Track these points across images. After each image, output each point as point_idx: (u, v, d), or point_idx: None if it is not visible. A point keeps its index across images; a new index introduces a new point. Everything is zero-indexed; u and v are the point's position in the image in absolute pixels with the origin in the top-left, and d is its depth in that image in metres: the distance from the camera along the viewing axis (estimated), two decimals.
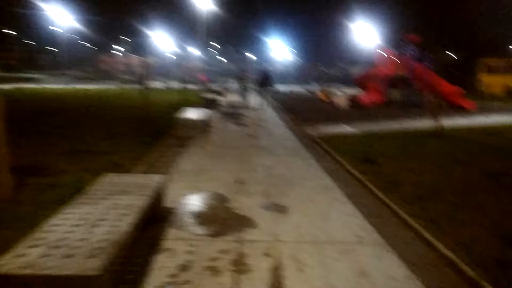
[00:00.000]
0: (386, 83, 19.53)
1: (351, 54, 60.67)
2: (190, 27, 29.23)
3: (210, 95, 16.41)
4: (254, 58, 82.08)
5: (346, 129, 11.23)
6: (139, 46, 73.43)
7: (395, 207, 4.54)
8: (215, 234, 3.73)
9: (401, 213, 4.36)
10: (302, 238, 3.73)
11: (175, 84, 34.23)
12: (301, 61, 75.29)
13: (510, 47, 51.05)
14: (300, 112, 14.85)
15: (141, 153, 6.84)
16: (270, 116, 13.97)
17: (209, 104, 15.27)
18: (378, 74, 19.53)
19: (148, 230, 3.68)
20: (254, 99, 20.67)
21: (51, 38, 61.59)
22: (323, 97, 21.43)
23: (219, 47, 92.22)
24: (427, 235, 3.78)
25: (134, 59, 75.04)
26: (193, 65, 73.02)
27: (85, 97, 19.80)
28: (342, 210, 4.53)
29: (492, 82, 35.30)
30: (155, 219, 3.91)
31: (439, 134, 10.23)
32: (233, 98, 21.90)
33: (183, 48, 66.32)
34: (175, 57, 70.61)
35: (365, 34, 33.82)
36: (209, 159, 6.90)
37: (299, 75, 56.85)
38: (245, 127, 10.97)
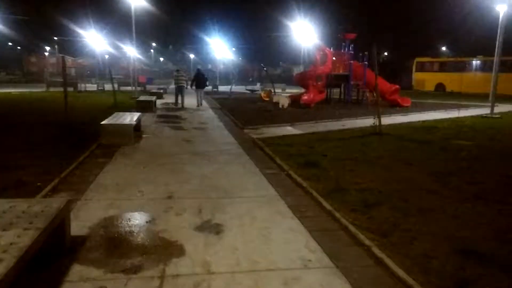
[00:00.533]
0: (324, 81, 19.59)
1: (293, 54, 61.56)
2: (125, 26, 27.73)
3: (144, 97, 15.38)
4: (195, 58, 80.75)
5: (288, 130, 10.87)
6: (71, 47, 69.36)
7: (342, 219, 4.10)
8: (133, 270, 3.04)
9: (349, 226, 3.93)
10: (238, 267, 3.15)
11: (109, 86, 32.39)
12: (243, 61, 75.24)
13: (443, 47, 54.50)
14: (242, 113, 14.33)
15: (57, 167, 5.91)
16: (210, 118, 13.31)
17: (144, 107, 14.27)
18: (317, 72, 19.55)
19: (44, 273, 2.92)
20: (193, 101, 19.90)
21: None
22: (265, 97, 21.11)
23: (158, 47, 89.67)
24: (378, 252, 3.36)
25: (66, 60, 70.66)
26: (130, 65, 70.31)
27: (3, 102, 17.87)
28: (285, 226, 4.02)
29: (425, 79, 37.22)
30: (56, 255, 3.15)
31: (379, 132, 10.17)
32: (172, 99, 20.92)
33: (118, 48, 63.41)
34: (109, 57, 67.36)
35: (306, 34, 34.14)
36: (137, 170, 6.12)
37: (241, 75, 56.58)
38: (182, 131, 10.22)
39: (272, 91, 21.89)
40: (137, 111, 13.95)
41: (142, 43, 79.71)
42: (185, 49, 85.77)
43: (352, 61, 19.79)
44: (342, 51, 20.59)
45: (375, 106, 18.74)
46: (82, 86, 31.34)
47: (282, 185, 5.52)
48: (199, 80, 18.17)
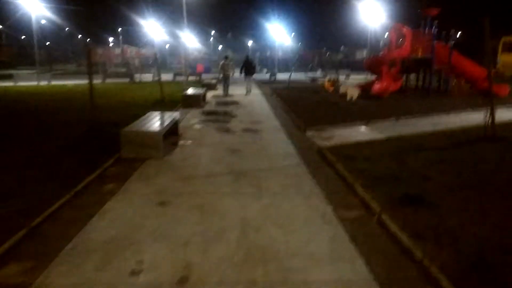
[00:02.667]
0: (399, 67, 16.59)
1: (357, 37, 57.40)
2: (185, 14, 26.46)
3: (192, 91, 13.58)
4: (254, 44, 78.88)
5: (363, 132, 8.44)
6: (132, 37, 70.50)
7: None
8: None
9: None
10: None
11: (167, 76, 31.39)
12: (303, 46, 72.00)
13: None
14: (303, 108, 12.04)
15: (43, 199, 4.13)
16: (265, 116, 11.17)
17: (191, 102, 12.47)
18: (392, 56, 16.58)
19: None
20: (247, 92, 17.97)
21: (43, 32, 58.61)
22: (329, 87, 18.52)
23: (217, 35, 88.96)
24: None
25: (130, 50, 72.01)
26: (189, 54, 70.08)
27: (51, 96, 17.04)
28: None
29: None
30: None
31: (492, 136, 7.44)
32: (226, 91, 19.07)
33: (177, 37, 63.11)
34: (169, 47, 67.45)
35: (373, 14, 30.68)
36: (150, 210, 4.15)
37: (301, 61, 53.67)
38: (229, 136, 8.19)
39: (338, 79, 19.24)
40: (184, 107, 12.30)
41: (201, 31, 79.48)
42: (244, 35, 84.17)
43: (435, 42, 16.59)
44: (422, 30, 17.39)
45: (463, 96, 15.58)
46: (138, 77, 30.69)
47: (378, 250, 3.26)
48: (247, 67, 17.89)
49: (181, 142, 7.41)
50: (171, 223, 3.77)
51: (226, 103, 13.98)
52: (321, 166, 5.80)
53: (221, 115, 11.01)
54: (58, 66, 64.56)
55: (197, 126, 9.25)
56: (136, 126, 6.57)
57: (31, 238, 3.41)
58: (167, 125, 6.78)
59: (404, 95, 15.73)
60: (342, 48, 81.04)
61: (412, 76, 19.56)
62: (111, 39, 77.97)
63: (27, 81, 26.88)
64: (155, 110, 11.06)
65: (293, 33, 71.78)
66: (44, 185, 4.71)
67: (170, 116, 7.70)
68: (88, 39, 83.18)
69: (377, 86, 15.54)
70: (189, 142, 7.48)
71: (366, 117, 10.02)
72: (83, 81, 29.05)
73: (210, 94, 16.97)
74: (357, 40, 60.13)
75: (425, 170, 5.46)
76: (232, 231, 3.60)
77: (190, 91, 13.46)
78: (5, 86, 22.99)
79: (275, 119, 10.42)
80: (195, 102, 12.54)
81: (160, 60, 60.82)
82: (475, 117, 10.03)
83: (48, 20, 52.60)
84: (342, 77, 26.14)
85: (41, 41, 59.89)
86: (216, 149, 6.89)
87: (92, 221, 3.78)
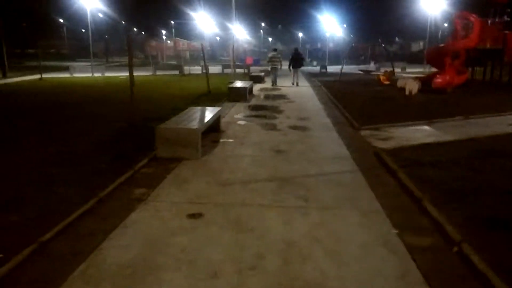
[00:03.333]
0: (463, 58, 14.99)
1: (413, 28, 54.29)
2: (233, 5, 26.06)
3: (239, 84, 13.00)
4: (304, 36, 77.35)
5: (427, 132, 7.42)
6: (184, 30, 71.41)
7: None
8: None
9: None
10: None
11: (216, 69, 31.23)
12: (356, 38, 69.40)
13: None
14: (355, 103, 11.09)
15: (62, 205, 3.71)
16: (314, 111, 10.36)
17: (237, 95, 11.91)
18: (457, 47, 15.04)
19: None
20: (296, 85, 17.22)
21: (100, 26, 60.84)
22: (384, 80, 17.26)
23: (267, 27, 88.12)
24: None
25: (182, 43, 73.15)
26: (238, 47, 70.00)
27: (100, 88, 17.22)
28: None
29: None
30: None
31: None
32: (274, 84, 18.39)
33: (227, 30, 63.10)
34: (219, 39, 67.59)
35: (433, 1, 28.51)
36: (180, 220, 3.59)
37: (352, 53, 51.69)
38: (274, 133, 7.51)
39: (394, 72, 17.92)
40: (229, 101, 11.76)
41: (251, 24, 79.01)
42: (294, 28, 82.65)
43: (506, 32, 14.86)
44: (490, 19, 15.65)
45: None
46: (187, 69, 30.71)
47: None
48: (296, 60, 18.10)
49: (222, 140, 6.84)
50: (200, 243, 3.17)
51: (274, 97, 13.30)
52: (379, 174, 4.97)
53: (267, 110, 10.35)
54: (114, 59, 67.01)
55: (241, 122, 8.65)
56: (173, 122, 6.07)
57: (40, 255, 2.94)
58: (207, 122, 6.22)
59: (470, 90, 14.21)
60: (396, 39, 77.31)
61: (478, 69, 17.79)
62: (164, 32, 79.57)
63: (83, 72, 27.76)
64: (200, 103, 10.66)
65: (345, 25, 69.38)
66: (68, 187, 4.30)
67: (212, 111, 7.15)
68: (143, 32, 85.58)
69: (439, 80, 14.18)
70: (231, 140, 6.89)
71: (429, 115, 8.95)
72: (136, 73, 29.59)
73: (257, 87, 16.37)
74: (413, 31, 56.90)
75: (505, 180, 4.49)
76: (272, 259, 2.93)
77: (236, 84, 12.90)
78: (60, 77, 23.80)
79: (325, 115, 9.59)
80: (241, 95, 11.96)
81: (210, 53, 61.24)
82: None
83: (105, 14, 54.36)
84: (397, 70, 24.52)
85: (99, 34, 62.31)
86: (260, 149, 6.24)
87: (112, 237, 3.27)
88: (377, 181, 4.66)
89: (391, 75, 17.37)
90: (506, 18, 14.95)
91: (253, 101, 12.20)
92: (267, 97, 13.47)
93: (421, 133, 7.40)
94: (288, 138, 7.05)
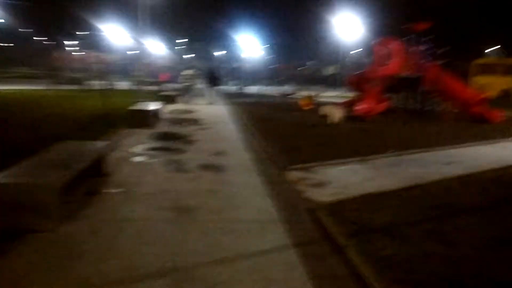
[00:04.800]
0: (382, 86, 14.72)
1: (326, 52, 56.30)
2: (148, 20, 24.03)
3: (142, 106, 11.02)
4: (224, 55, 76.75)
5: (364, 175, 6.23)
6: (93, 42, 66.37)
7: None
8: None
9: None
10: None
11: (125, 85, 28.57)
12: (275, 59, 70.35)
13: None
14: (278, 132, 9.82)
15: None
16: (232, 142, 8.82)
17: (139, 120, 9.95)
18: (376, 74, 14.74)
19: None
20: (211, 103, 15.78)
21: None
22: (305, 106, 16.41)
23: (187, 43, 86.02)
24: None
25: (91, 55, 67.87)
26: (154, 62, 67.03)
27: None
28: None
29: (488, 84, 31.46)
30: None
31: None
32: (187, 105, 16.65)
33: (141, 44, 60.03)
34: (132, 53, 63.89)
35: (349, 28, 29.22)
36: None
37: (272, 75, 52.04)
38: (180, 177, 5.76)
39: (313, 97, 17.25)
40: (129, 127, 9.74)
41: (168, 39, 76.27)
42: (212, 45, 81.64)
43: (427, 60, 14.90)
44: (409, 47, 15.69)
45: (453, 122, 13.88)
46: (92, 84, 27.54)
47: None
48: (212, 78, 18.23)
49: (104, 191, 4.91)
50: None
51: (186, 122, 11.54)
52: (323, 255, 3.46)
53: (175, 140, 8.57)
54: (14, 69, 59.59)
55: (138, 159, 6.75)
56: (19, 170, 4.03)
57: None
58: (75, 168, 4.27)
59: (389, 118, 13.84)
60: (310, 63, 79.89)
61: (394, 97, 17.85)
62: (70, 42, 73.44)
63: None
64: (89, 129, 8.56)
65: (264, 45, 70.10)
66: None
67: (91, 149, 5.20)
68: (48, 41, 78.10)
69: (361, 107, 13.61)
70: (117, 190, 4.98)
71: (358, 149, 7.91)
72: (30, 87, 25.73)
73: (169, 108, 14.50)
74: (327, 55, 59.03)
75: (496, 262, 3.29)
76: None
77: (140, 106, 10.89)
78: None
79: (244, 148, 8.06)
80: (145, 120, 10.01)
81: (122, 68, 57.41)
82: (493, 152, 8.16)
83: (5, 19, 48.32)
84: (313, 94, 24.27)
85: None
86: (157, 207, 4.43)
87: None
88: (324, 272, 3.16)
89: (312, 100, 16.65)
90: (423, 46, 15.03)
91: (160, 128, 10.31)
92: (178, 121, 11.66)
93: (358, 175, 6.19)
94: (198, 185, 5.35)
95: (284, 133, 9.74)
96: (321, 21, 38.56)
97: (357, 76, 16.11)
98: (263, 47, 65.28)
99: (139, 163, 6.44)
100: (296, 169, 6.33)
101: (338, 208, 4.56)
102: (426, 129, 11.40)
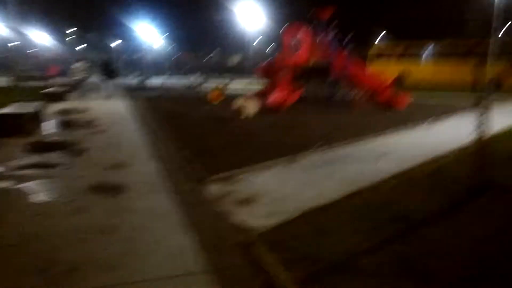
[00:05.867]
0: (291, 75, 14.16)
1: (229, 41, 55.36)
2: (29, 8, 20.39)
3: (14, 108, 8.78)
4: (122, 45, 71.65)
5: (298, 180, 5.25)
6: None
7: None
8: None
9: None
10: None
11: (5, 81, 24.38)
12: (176, 48, 67.47)
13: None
14: (189, 131, 8.52)
15: None
16: (133, 149, 7.29)
17: (8, 127, 7.84)
18: (286, 63, 14.11)
19: None
20: (106, 97, 13.91)
21: None
22: (215, 98, 15.15)
23: (78, 33, 78.39)
24: None
25: None
26: (41, 54, 60.13)
27: None
28: None
29: (383, 70, 33.34)
30: None
31: (488, 184, 4.94)
32: (79, 103, 14.35)
33: (23, 34, 53.04)
34: (13, 45, 56.43)
35: (251, 15, 28.52)
36: None
37: (175, 65, 49.62)
38: (59, 212, 4.20)
39: (223, 88, 16.09)
40: None
41: (58, 29, 68.70)
42: (108, 36, 75.60)
43: (334, 48, 14.61)
44: (317, 35, 15.30)
45: (363, 109, 13.87)
46: None
47: None
48: (108, 70, 17.05)
49: None
50: None
51: (76, 125, 9.60)
52: None
53: (59, 151, 6.77)
54: None
55: (1, 185, 4.96)
56: None
57: None
58: None
59: (304, 109, 13.30)
60: (214, 52, 78.29)
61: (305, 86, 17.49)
62: None
63: None
64: None
65: (165, 35, 66.67)
66: None
67: None
68: None
69: (273, 98, 12.83)
70: None
71: (283, 146, 7.01)
72: None
73: (55, 108, 12.22)
74: (230, 43, 58.15)
75: None
76: None
77: (13, 107, 8.64)
78: None
79: (149, 156, 6.61)
80: (18, 127, 7.92)
81: (2, 61, 50.13)
82: (417, 140, 7.83)
83: None
84: (221, 85, 23.11)
85: None
86: (15, 273, 2.91)
87: None
88: None
89: (221, 92, 15.46)
90: (329, 33, 14.71)
91: (41, 135, 8.31)
92: (66, 125, 9.65)
93: (290, 182, 5.21)
94: (85, 221, 3.86)
95: (195, 133, 8.46)
96: (222, 9, 37.44)
97: (267, 65, 15.32)
98: (163, 36, 62.20)
99: (1, 190, 4.67)
100: (215, 181, 5.14)
101: (279, 236, 3.49)
102: (342, 119, 10.97)
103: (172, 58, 42.28)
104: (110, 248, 3.27)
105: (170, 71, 39.16)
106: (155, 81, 28.48)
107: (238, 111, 11.45)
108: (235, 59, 60.00)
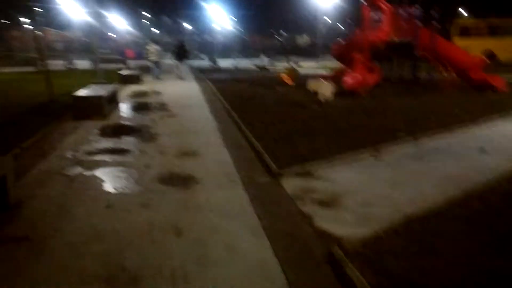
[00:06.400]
0: (368, 54, 12.98)
1: (297, 21, 53.89)
2: None
3: (91, 90, 8.90)
4: (193, 28, 73.26)
5: (386, 177, 4.54)
6: (50, 18, 61.57)
7: None
8: None
9: None
10: None
11: (87, 63, 25.79)
12: (246, 30, 67.36)
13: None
14: (262, 116, 8.05)
15: None
16: (205, 135, 6.98)
17: (87, 110, 7.93)
18: (368, 39, 12.97)
19: None
20: (179, 78, 14.06)
21: None
22: (287, 79, 14.52)
23: (153, 17, 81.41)
24: None
25: (51, 33, 63.10)
26: (120, 38, 63.14)
27: None
28: None
29: (469, 46, 30.19)
30: None
31: None
32: (153, 85, 14.54)
33: (103, 19, 55.95)
34: (95, 30, 59.86)
35: None
36: None
37: (245, 46, 49.54)
38: (127, 203, 3.95)
39: (296, 69, 15.38)
40: (74, 119, 7.75)
41: (134, 13, 71.69)
42: (181, 19, 77.51)
43: (418, 24, 13.20)
44: (400, 8, 13.94)
45: (454, 90, 12.43)
46: (43, 64, 24.65)
47: None
48: (180, 52, 17.25)
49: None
50: None
51: (148, 108, 9.58)
52: None
53: (131, 136, 6.66)
54: None
55: (72, 172, 4.84)
56: None
57: None
58: None
59: (385, 91, 12.21)
60: (281, 32, 76.73)
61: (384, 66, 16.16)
62: (26, 20, 68.12)
63: None
64: (27, 122, 6.61)
65: (234, 16, 66.78)
66: None
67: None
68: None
69: (350, 80, 11.91)
70: (26, 238, 3.15)
71: (364, 135, 6.29)
72: None
73: (130, 90, 12.45)
74: (298, 24, 56.51)
75: None
76: None
77: (86, 91, 8.76)
78: None
79: (221, 143, 6.25)
80: (94, 109, 7.99)
81: (84, 45, 53.56)
82: None
83: None
84: (294, 65, 22.33)
85: None
86: (78, 281, 2.65)
87: None
88: None
89: (295, 73, 14.77)
90: (415, 8, 13.30)
91: (115, 117, 8.35)
92: (138, 108, 9.67)
93: (377, 179, 4.51)
94: (153, 218, 3.53)
95: (268, 118, 7.96)
96: None
97: (343, 44, 14.29)
98: (233, 17, 62.26)
99: (71, 179, 4.54)
100: (294, 175, 4.60)
101: (374, 253, 2.87)
102: (429, 104, 9.82)
103: (242, 39, 42.11)
104: (179, 254, 2.90)
105: (240, 52, 39.01)
106: (226, 62, 28.43)
107: (313, 94, 10.75)
108: (304, 39, 58.47)
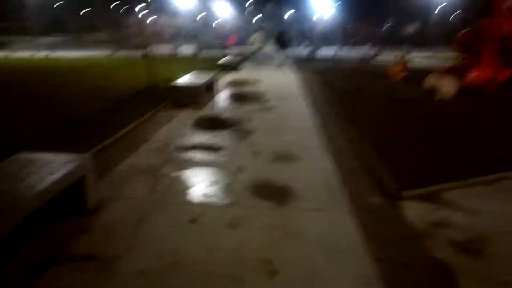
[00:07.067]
0: (494, 48, 10.84)
1: (407, 8, 49.71)
2: None
3: (189, 79, 8.63)
4: (294, 14, 72.37)
5: None
6: (161, 5, 65.40)
7: None
8: None
9: None
10: None
11: (190, 50, 26.65)
12: (347, 17, 64.46)
13: None
14: (371, 115, 7.02)
15: None
16: (304, 134, 6.22)
17: (183, 98, 7.68)
18: (504, 29, 10.87)
19: None
20: (280, 67, 13.60)
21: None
22: (398, 73, 12.97)
23: (255, 4, 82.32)
24: None
25: (162, 19, 67.29)
26: (222, 25, 64.85)
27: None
28: None
29: None
30: None
31: None
32: (252, 73, 14.14)
33: (209, 6, 57.70)
34: (200, 16, 61.87)
35: None
36: None
37: (346, 35, 47.21)
38: (212, 220, 3.39)
39: (406, 60, 13.73)
40: (171, 107, 7.57)
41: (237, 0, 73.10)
42: (283, 5, 77.11)
43: None
44: None
45: None
46: (150, 50, 25.92)
47: None
48: (281, 40, 17.05)
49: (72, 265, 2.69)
50: None
51: (244, 98, 9.09)
52: None
53: (224, 130, 6.18)
54: (88, 35, 60.93)
55: (158, 172, 4.44)
56: None
57: None
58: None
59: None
60: (390, 20, 71.87)
61: None
62: (140, 7, 73.39)
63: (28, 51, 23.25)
64: (126, 109, 6.55)
65: (337, 3, 64.20)
66: None
67: (63, 164, 2.98)
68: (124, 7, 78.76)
69: (475, 77, 10.16)
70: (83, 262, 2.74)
71: (496, 145, 4.97)
72: (93, 52, 24.91)
73: (228, 78, 12.19)
74: (407, 11, 52.12)
75: None
76: None
77: (183, 80, 8.49)
78: None
79: (321, 144, 5.44)
80: (190, 98, 7.71)
81: (190, 32, 55.99)
82: None
83: None
84: (405, 56, 20.30)
85: (70, 8, 56.15)
86: None
87: None
88: None
89: (405, 66, 13.17)
90: None
91: (211, 107, 7.99)
92: (235, 98, 9.24)
93: None
94: (242, 244, 2.91)
95: (375, 117, 6.91)
96: None
97: (468, 35, 12.28)
98: (335, 5, 59.84)
99: (157, 180, 4.13)
100: (417, 199, 3.64)
101: None
102: None
103: (345, 28, 40.09)
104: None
105: (342, 41, 37.21)
106: (326, 52, 27.15)
107: (430, 92, 9.30)
108: (412, 28, 53.96)
